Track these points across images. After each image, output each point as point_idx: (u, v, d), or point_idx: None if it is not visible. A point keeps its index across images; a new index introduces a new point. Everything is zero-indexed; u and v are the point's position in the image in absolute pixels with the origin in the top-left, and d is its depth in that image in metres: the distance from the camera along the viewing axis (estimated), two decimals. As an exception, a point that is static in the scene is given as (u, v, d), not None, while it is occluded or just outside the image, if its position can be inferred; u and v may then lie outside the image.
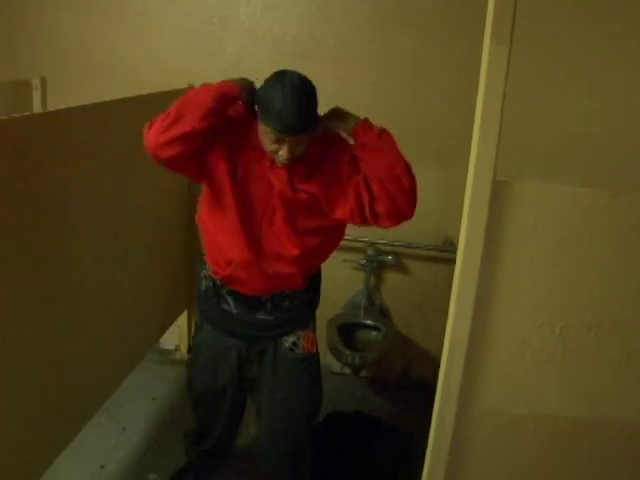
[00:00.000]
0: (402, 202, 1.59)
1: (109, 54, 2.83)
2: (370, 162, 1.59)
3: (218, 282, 1.86)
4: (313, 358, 1.95)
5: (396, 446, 2.50)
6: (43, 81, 2.60)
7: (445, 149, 2.68)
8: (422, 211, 2.83)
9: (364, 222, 1.67)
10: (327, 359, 2.89)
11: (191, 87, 2.72)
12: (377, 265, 2.89)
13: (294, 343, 1.90)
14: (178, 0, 2.76)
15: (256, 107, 1.60)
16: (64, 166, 1.80)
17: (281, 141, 1.56)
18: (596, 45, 2.32)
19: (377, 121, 2.69)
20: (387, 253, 2.86)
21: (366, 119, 1.63)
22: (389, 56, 2.65)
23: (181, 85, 2.60)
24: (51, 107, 2.35)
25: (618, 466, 1.29)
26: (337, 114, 1.65)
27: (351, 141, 1.65)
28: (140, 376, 2.78)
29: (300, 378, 1.94)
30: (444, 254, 2.81)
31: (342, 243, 2.90)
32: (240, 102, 1.65)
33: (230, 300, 1.87)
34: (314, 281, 1.94)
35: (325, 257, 1.89)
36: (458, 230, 1.12)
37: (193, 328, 2.10)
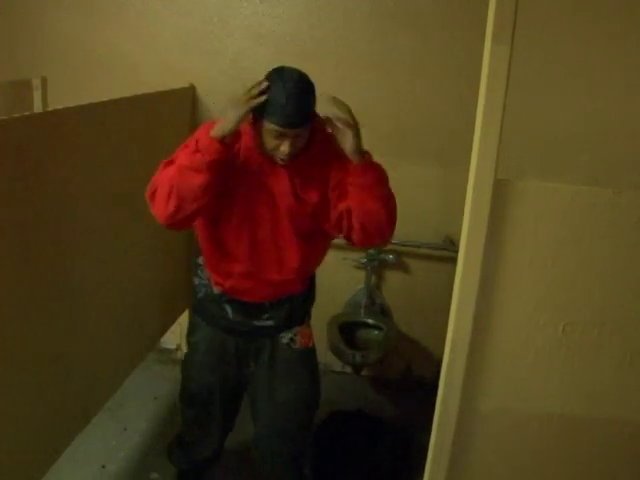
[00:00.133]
0: (376, 240, 1.70)
1: (109, 53, 2.83)
2: (357, 202, 1.61)
3: (218, 292, 1.88)
4: (310, 352, 1.98)
5: (397, 445, 2.50)
6: (44, 81, 2.59)
7: (445, 148, 2.69)
8: (423, 210, 2.89)
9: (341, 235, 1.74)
10: (328, 358, 2.90)
11: (192, 87, 2.74)
12: (378, 264, 2.89)
13: (291, 339, 1.93)
14: (178, 0, 2.75)
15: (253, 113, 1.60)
16: (64, 166, 1.80)
17: (283, 136, 1.57)
18: (597, 44, 2.32)
19: (378, 120, 2.75)
20: (388, 252, 2.86)
21: (368, 156, 1.62)
22: (389, 56, 2.65)
23: (182, 84, 2.60)
24: (52, 107, 2.34)
25: (620, 465, 1.29)
26: (354, 133, 1.59)
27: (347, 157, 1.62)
28: (141, 375, 2.78)
29: (298, 372, 1.95)
30: (445, 252, 2.81)
31: (341, 242, 2.93)
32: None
33: (229, 309, 1.89)
34: (310, 281, 1.97)
35: (322, 260, 1.92)
36: (459, 228, 1.12)
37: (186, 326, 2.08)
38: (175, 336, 3.11)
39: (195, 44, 2.78)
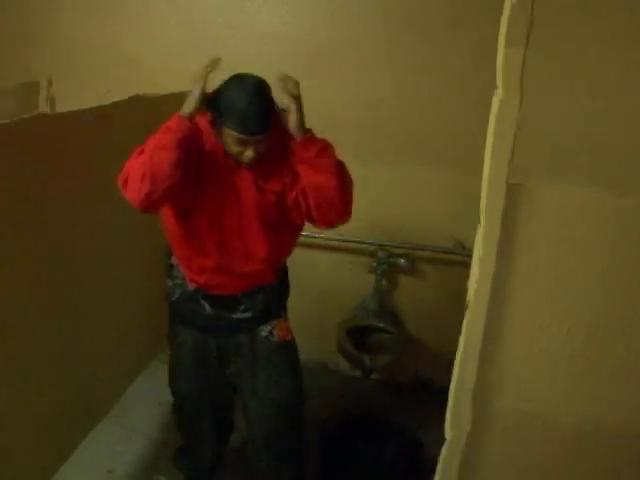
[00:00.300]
0: (334, 214, 1.69)
1: (117, 55, 2.82)
2: (306, 178, 1.65)
3: (193, 289, 1.90)
4: (289, 345, 2.01)
5: (406, 449, 2.48)
6: (51, 82, 2.60)
7: (455, 149, 2.66)
8: (433, 213, 2.86)
9: (305, 220, 1.79)
10: (337, 361, 2.90)
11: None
12: (388, 267, 2.88)
13: (270, 332, 1.96)
14: (194, 5, 2.75)
15: (212, 113, 1.64)
16: (71, 168, 1.80)
17: (246, 143, 1.62)
18: (609, 45, 2.30)
19: (385, 124, 2.73)
20: (398, 256, 2.84)
21: (310, 133, 1.65)
22: (395, 56, 2.63)
23: (185, 85, 2.58)
24: (59, 108, 2.34)
25: (626, 466, 1.28)
26: (298, 110, 1.63)
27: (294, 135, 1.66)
28: (146, 381, 2.76)
29: (278, 364, 1.97)
30: (455, 256, 2.79)
31: (351, 245, 2.95)
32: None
33: (205, 304, 1.91)
34: (281, 274, 2.00)
35: (291, 249, 1.97)
36: (469, 231, 1.11)
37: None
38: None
39: (198, 45, 2.77)
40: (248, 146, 1.63)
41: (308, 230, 2.81)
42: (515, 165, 1.09)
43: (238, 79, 1.60)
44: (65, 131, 1.76)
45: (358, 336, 2.79)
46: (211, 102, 1.61)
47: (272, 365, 1.97)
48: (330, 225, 1.74)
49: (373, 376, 3.01)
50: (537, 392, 1.23)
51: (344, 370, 3.04)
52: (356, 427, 2.55)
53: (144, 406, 2.77)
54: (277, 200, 1.76)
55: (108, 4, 2.80)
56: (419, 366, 3.08)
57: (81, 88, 2.73)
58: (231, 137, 1.61)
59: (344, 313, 2.90)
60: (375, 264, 2.85)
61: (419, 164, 2.72)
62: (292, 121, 1.61)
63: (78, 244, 1.89)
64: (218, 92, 1.61)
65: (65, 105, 1.76)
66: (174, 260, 1.93)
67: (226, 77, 1.65)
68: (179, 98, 1.70)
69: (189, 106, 1.60)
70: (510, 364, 1.20)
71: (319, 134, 1.69)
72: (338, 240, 2.86)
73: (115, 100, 1.96)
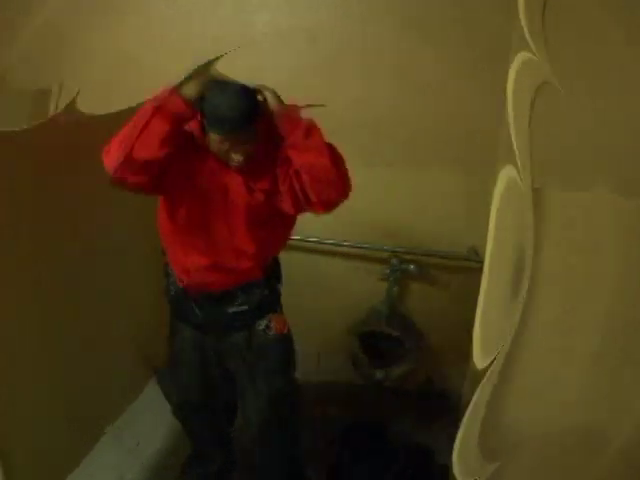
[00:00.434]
0: (332, 192, 1.66)
1: (117, 55, 2.81)
2: (298, 160, 1.64)
3: (183, 288, 1.92)
4: (285, 338, 2.03)
5: (416, 458, 2.46)
6: (61, 88, 2.61)
7: (469, 154, 2.62)
8: (446, 219, 2.83)
9: (302, 210, 1.77)
10: (347, 368, 2.89)
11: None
12: (400, 274, 2.85)
13: (267, 325, 1.97)
14: (194, 5, 2.74)
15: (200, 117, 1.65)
16: (81, 175, 1.81)
17: (230, 143, 1.63)
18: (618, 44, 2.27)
19: (398, 129, 2.71)
20: (410, 262, 2.82)
21: (294, 109, 1.64)
22: (405, 60, 2.61)
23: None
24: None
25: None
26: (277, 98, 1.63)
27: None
28: (153, 389, 2.75)
29: (275, 357, 2.00)
30: (468, 263, 2.76)
31: (363, 252, 2.93)
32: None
33: (201, 300, 1.93)
34: (271, 269, 1.99)
35: (281, 247, 1.99)
36: (483, 239, 1.09)
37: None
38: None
39: (212, 48, 2.75)
40: (234, 147, 1.64)
41: (318, 236, 2.84)
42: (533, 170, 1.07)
43: (220, 82, 1.60)
44: (69, 136, 1.76)
45: (369, 344, 2.76)
46: (198, 106, 1.62)
47: (268, 357, 1.99)
48: (329, 205, 1.70)
49: (382, 383, 3.00)
50: (555, 402, 1.20)
51: (354, 377, 3.01)
52: (365, 434, 2.54)
53: (153, 414, 2.76)
54: (267, 199, 1.76)
55: (109, 5, 2.79)
56: (430, 373, 3.05)
57: (82, 89, 2.72)
58: (214, 139, 1.63)
59: (354, 320, 2.87)
60: (387, 271, 2.82)
61: (430, 169, 2.68)
62: (271, 100, 1.60)
63: (81, 252, 1.90)
64: (202, 97, 1.61)
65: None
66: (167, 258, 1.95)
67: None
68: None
69: (192, 88, 1.58)
70: (524, 374, 1.18)
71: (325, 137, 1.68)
72: (347, 246, 2.83)
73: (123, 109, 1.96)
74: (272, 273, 1.99)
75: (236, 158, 1.66)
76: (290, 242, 2.11)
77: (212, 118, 1.59)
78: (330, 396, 2.77)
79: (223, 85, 1.59)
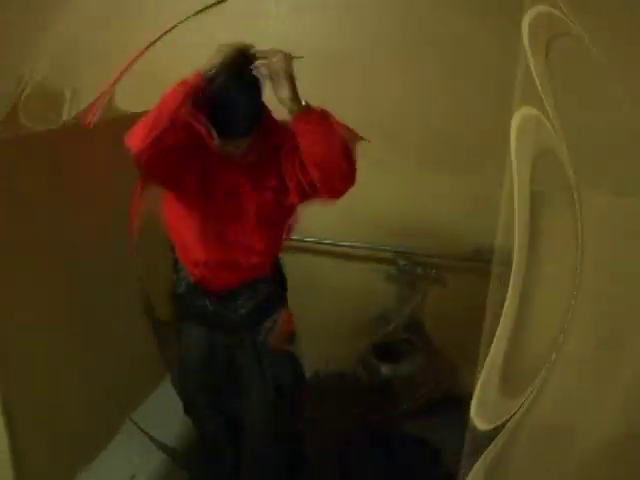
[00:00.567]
0: (337, 182, 1.67)
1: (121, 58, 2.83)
2: (308, 149, 1.64)
3: (194, 282, 1.95)
4: (293, 334, 2.05)
5: (428, 461, 2.47)
6: (75, 92, 2.63)
7: (475, 155, 2.63)
8: (454, 221, 2.84)
9: (308, 199, 1.79)
10: (356, 370, 2.90)
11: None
12: (409, 277, 2.86)
13: (273, 323, 1.99)
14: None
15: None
16: (95, 178, 1.83)
17: (235, 143, 1.69)
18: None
19: (404, 131, 2.72)
20: (419, 264, 2.83)
21: (307, 106, 1.63)
22: (414, 65, 2.62)
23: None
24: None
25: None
26: (289, 79, 1.63)
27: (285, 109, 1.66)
28: (166, 389, 2.78)
29: (280, 354, 2.02)
30: (477, 264, 2.76)
31: (372, 253, 2.95)
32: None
33: (206, 298, 1.95)
34: (277, 264, 2.04)
35: (285, 240, 2.00)
36: (489, 239, 1.10)
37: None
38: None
39: (205, 49, 2.76)
40: (238, 145, 1.69)
41: (331, 238, 2.85)
42: (539, 173, 1.08)
43: (223, 86, 1.61)
44: (77, 143, 1.78)
45: (379, 346, 2.79)
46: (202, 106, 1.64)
47: (274, 354, 2.01)
48: (335, 193, 1.71)
49: (392, 385, 3.00)
50: (566, 404, 1.21)
51: (363, 379, 3.02)
52: (374, 436, 2.56)
53: (164, 415, 2.77)
54: (274, 195, 1.79)
55: (111, 6, 2.81)
56: (440, 375, 3.06)
57: (83, 90, 2.74)
58: (221, 142, 1.67)
59: (365, 323, 2.89)
60: (395, 272, 2.83)
61: (436, 169, 2.69)
62: (286, 95, 1.60)
63: (93, 255, 1.92)
64: (208, 100, 1.63)
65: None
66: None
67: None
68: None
69: (205, 70, 1.60)
70: (535, 377, 1.19)
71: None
72: (354, 248, 2.86)
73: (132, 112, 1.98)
74: (277, 268, 2.03)
75: (241, 155, 1.72)
76: (294, 243, 2.13)
77: (220, 124, 1.63)
78: (337, 397, 2.79)
79: (230, 88, 1.61)
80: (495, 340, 1.13)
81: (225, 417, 2.17)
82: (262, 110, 1.69)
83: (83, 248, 1.93)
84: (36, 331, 1.79)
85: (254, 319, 1.98)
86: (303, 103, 1.63)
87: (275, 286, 2.01)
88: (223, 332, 2.00)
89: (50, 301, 1.81)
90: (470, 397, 1.26)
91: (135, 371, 2.22)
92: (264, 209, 1.81)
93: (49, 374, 1.74)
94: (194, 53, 2.67)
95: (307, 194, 1.75)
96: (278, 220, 1.89)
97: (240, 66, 1.62)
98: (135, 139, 1.59)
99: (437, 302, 2.93)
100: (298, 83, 1.63)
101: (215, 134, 1.66)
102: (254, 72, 1.65)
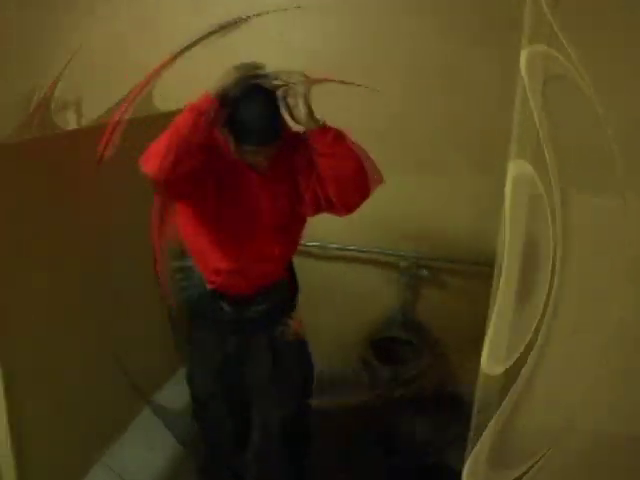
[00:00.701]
0: (355, 198, 1.72)
1: (122, 59, 2.83)
2: (325, 167, 1.68)
3: (210, 290, 1.95)
4: (304, 339, 2.09)
5: (431, 464, 2.46)
6: (78, 99, 2.64)
7: (481, 157, 2.63)
8: (457, 224, 2.83)
9: (321, 212, 1.82)
10: (358, 374, 2.88)
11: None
12: (411, 279, 2.87)
13: (285, 327, 2.02)
14: (207, 11, 2.76)
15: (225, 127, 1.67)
16: (98, 184, 1.84)
17: (259, 152, 1.69)
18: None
19: (407, 131, 2.72)
20: (421, 266, 2.83)
21: (323, 120, 1.66)
22: (418, 68, 2.62)
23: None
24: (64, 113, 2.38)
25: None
26: (304, 101, 1.64)
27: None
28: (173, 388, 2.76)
29: (291, 358, 2.05)
30: (480, 268, 2.76)
31: (375, 256, 2.96)
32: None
33: (224, 304, 1.96)
34: (291, 269, 2.07)
35: (297, 245, 2.03)
36: (494, 242, 1.10)
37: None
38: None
39: (224, 59, 2.77)
40: (260, 154, 1.70)
41: (337, 242, 2.85)
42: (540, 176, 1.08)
43: (246, 94, 1.63)
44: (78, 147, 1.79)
45: (381, 349, 2.78)
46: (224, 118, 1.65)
47: (286, 358, 2.03)
48: (351, 208, 1.75)
49: (396, 389, 3.00)
50: (570, 408, 1.21)
51: (365, 383, 3.01)
52: (377, 439, 2.55)
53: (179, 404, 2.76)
54: (289, 203, 1.83)
55: (112, 7, 2.82)
56: (443, 379, 3.05)
57: (83, 91, 2.74)
58: (245, 150, 1.68)
59: (367, 325, 2.89)
60: (398, 275, 2.83)
61: (442, 174, 2.70)
62: (302, 115, 1.62)
63: (106, 257, 1.93)
64: (229, 108, 1.64)
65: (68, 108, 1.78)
66: (190, 262, 1.97)
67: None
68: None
69: (217, 85, 1.60)
70: (538, 381, 1.19)
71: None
72: (359, 251, 2.86)
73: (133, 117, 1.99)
74: (291, 274, 2.06)
75: (263, 164, 1.74)
76: (302, 248, 2.14)
77: (246, 135, 1.64)
78: (339, 402, 2.79)
79: (252, 97, 1.62)
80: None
81: (236, 420, 2.15)
82: (282, 118, 1.69)
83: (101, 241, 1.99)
84: (49, 330, 1.84)
85: (269, 320, 2.00)
86: (320, 120, 1.66)
87: (288, 292, 2.04)
88: (235, 337, 2.01)
89: (65, 298, 1.87)
90: (470, 397, 1.27)
91: (151, 358, 2.22)
92: (280, 216, 1.84)
93: (60, 364, 1.77)
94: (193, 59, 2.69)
95: (322, 207, 1.78)
96: (293, 226, 1.92)
97: (255, 80, 1.64)
98: (151, 165, 1.60)
99: (438, 304, 2.93)
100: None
101: (234, 144, 1.67)
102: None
